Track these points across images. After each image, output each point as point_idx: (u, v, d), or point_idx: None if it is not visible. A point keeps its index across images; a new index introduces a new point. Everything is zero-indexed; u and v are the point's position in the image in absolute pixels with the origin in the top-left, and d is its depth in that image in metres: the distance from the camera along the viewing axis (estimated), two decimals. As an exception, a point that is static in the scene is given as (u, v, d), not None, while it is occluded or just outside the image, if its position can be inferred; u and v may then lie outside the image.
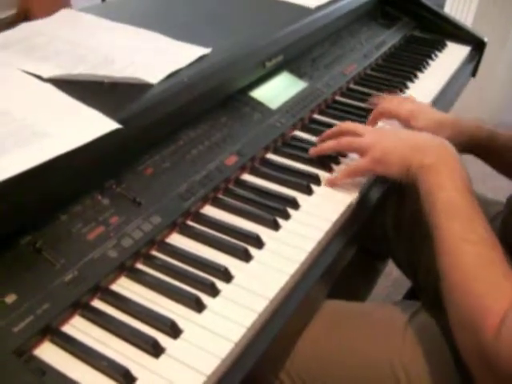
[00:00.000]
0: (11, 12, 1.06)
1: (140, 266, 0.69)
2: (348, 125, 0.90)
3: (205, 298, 0.64)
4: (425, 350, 0.76)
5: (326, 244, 0.77)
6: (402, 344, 0.77)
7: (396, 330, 0.79)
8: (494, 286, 0.61)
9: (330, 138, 0.91)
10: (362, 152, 0.84)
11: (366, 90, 1.21)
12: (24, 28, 0.97)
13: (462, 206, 0.70)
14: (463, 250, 0.66)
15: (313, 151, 0.91)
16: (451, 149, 0.78)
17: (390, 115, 1.01)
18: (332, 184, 0.86)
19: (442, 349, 0.75)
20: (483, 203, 1.04)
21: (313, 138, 0.99)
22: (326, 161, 0.91)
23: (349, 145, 0.87)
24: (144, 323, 0.61)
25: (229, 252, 0.72)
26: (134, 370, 0.55)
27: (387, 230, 1.06)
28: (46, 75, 0.80)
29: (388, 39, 1.44)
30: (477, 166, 1.02)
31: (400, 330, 0.79)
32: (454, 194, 0.71)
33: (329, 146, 0.89)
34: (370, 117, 1.02)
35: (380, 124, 1.03)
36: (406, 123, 0.98)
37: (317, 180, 0.87)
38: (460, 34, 1.53)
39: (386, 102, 1.04)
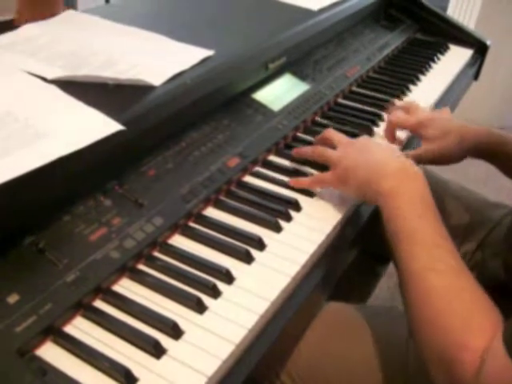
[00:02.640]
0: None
1: (142, 267, 0.69)
2: (329, 133, 0.88)
3: (206, 300, 0.65)
4: None
5: (327, 246, 0.77)
6: (406, 349, 0.77)
7: (399, 335, 0.79)
8: (467, 319, 0.57)
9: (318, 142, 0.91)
10: (330, 165, 0.82)
11: (368, 92, 1.21)
12: (28, 29, 0.97)
13: (425, 233, 0.65)
14: (430, 282, 0.61)
15: (294, 152, 0.91)
16: (413, 171, 0.73)
17: (399, 126, 1.01)
18: (295, 184, 0.85)
19: None
20: (486, 207, 1.04)
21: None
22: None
23: (319, 156, 0.85)
24: (146, 324, 0.61)
25: (230, 254, 0.72)
26: (136, 371, 0.56)
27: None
28: (49, 76, 0.80)
29: (391, 42, 1.44)
30: (479, 167, 1.02)
31: (403, 334, 0.79)
32: (416, 220, 0.67)
33: (306, 151, 0.89)
34: (385, 128, 1.03)
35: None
36: (416, 133, 0.99)
37: (319, 182, 0.87)
38: (463, 37, 1.53)
39: (398, 112, 1.03)
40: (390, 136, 1.02)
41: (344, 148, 0.83)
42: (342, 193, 0.84)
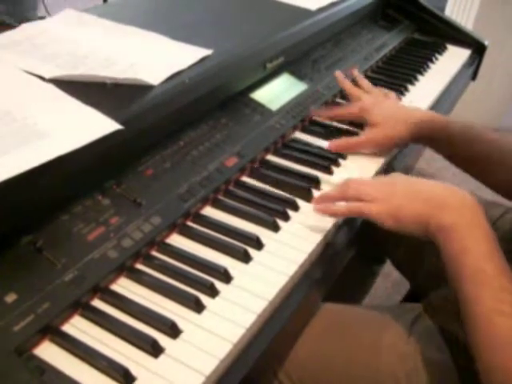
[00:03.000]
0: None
1: (140, 266, 0.69)
2: (352, 190, 0.76)
3: (204, 299, 0.65)
4: (428, 358, 0.75)
5: (324, 246, 0.78)
6: (403, 351, 0.77)
7: (397, 335, 0.79)
8: None
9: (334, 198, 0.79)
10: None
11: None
12: (26, 28, 0.97)
13: (491, 275, 0.61)
14: (497, 324, 0.58)
15: (315, 203, 0.81)
16: (472, 203, 0.68)
17: (341, 117, 1.03)
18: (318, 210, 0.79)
19: (446, 357, 0.75)
20: (484, 206, 1.04)
21: (313, 140, 0.99)
22: (326, 163, 0.92)
23: (359, 214, 0.75)
24: (144, 323, 0.61)
25: (228, 253, 0.72)
26: (134, 370, 0.56)
27: (388, 232, 1.06)
28: (47, 75, 0.80)
29: (388, 42, 1.44)
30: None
31: (401, 335, 0.79)
32: (483, 261, 0.62)
33: (341, 212, 0.78)
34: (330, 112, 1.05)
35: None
36: (360, 120, 1.00)
37: (316, 182, 0.87)
38: (460, 37, 1.54)
39: (346, 83, 1.07)
40: (330, 118, 1.05)
41: (383, 193, 0.74)
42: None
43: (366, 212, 0.73)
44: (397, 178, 0.77)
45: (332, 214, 0.79)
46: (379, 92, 1.06)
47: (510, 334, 0.57)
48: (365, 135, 0.97)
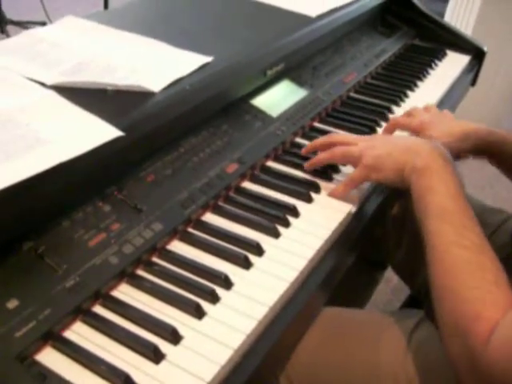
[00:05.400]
0: None
1: (141, 272, 0.70)
2: (338, 136, 0.91)
3: (205, 305, 0.65)
4: (429, 363, 0.75)
5: (325, 252, 0.78)
6: (405, 357, 0.77)
7: (398, 340, 0.79)
8: (485, 292, 0.61)
9: (319, 149, 0.91)
10: (355, 161, 0.84)
11: (366, 98, 1.22)
12: (27, 35, 0.97)
13: (455, 212, 0.69)
14: (455, 255, 0.65)
15: (308, 165, 0.91)
16: (444, 152, 0.77)
17: (401, 127, 1.02)
18: (333, 195, 0.86)
19: (447, 363, 0.75)
20: (484, 212, 1.04)
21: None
22: (326, 169, 0.92)
23: (342, 155, 0.86)
24: (145, 329, 0.62)
25: (229, 259, 0.72)
26: (135, 376, 0.56)
27: (388, 236, 1.07)
28: (49, 82, 0.81)
29: (388, 48, 1.45)
30: (476, 174, 1.03)
31: (402, 340, 0.79)
32: (447, 199, 0.70)
33: (324, 157, 0.89)
34: (385, 127, 1.04)
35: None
36: (419, 135, 0.99)
37: (317, 188, 0.87)
38: (460, 43, 1.54)
39: (404, 115, 1.06)
40: (389, 130, 1.03)
41: (365, 141, 0.85)
42: (339, 198, 0.85)
43: (356, 178, 0.83)
44: (376, 135, 0.89)
45: (313, 165, 0.89)
46: (435, 109, 1.06)
47: (464, 264, 0.64)
48: None
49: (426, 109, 1.06)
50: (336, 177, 0.92)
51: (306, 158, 0.94)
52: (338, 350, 0.80)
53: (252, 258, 0.73)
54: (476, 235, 0.66)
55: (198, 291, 0.67)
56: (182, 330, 0.61)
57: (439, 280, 0.66)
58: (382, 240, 1.08)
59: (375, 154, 0.81)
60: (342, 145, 0.87)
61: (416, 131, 0.99)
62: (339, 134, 0.91)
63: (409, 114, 1.04)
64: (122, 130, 0.70)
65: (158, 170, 0.79)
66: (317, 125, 1.08)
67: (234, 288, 0.68)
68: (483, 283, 0.62)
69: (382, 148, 0.82)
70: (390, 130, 1.03)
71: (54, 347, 0.59)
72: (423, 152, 0.76)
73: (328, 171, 0.92)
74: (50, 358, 0.57)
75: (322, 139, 0.91)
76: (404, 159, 0.77)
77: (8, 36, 2.99)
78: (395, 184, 0.80)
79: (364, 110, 1.15)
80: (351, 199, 0.86)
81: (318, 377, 0.78)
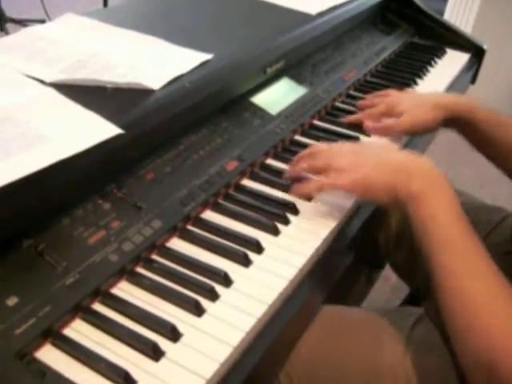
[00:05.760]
0: None
1: (140, 269, 0.70)
2: (322, 146, 0.85)
3: (204, 303, 0.65)
4: (428, 361, 0.76)
5: (324, 250, 0.78)
6: (404, 354, 0.77)
7: (397, 338, 0.79)
8: (509, 320, 0.59)
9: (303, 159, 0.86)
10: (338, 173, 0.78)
11: (365, 96, 1.21)
12: (27, 32, 0.97)
13: (460, 240, 0.66)
14: (470, 287, 0.62)
15: (287, 175, 0.87)
16: (438, 172, 0.73)
17: (371, 118, 1.03)
18: (297, 192, 0.83)
19: (446, 361, 0.75)
20: (484, 210, 1.04)
21: (313, 144, 0.99)
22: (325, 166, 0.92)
23: (324, 166, 0.80)
24: (144, 327, 0.62)
25: (228, 257, 0.72)
26: (134, 373, 0.56)
27: (388, 235, 1.06)
28: (48, 79, 0.81)
29: (388, 46, 1.45)
30: (475, 172, 1.03)
31: (401, 338, 0.79)
32: (451, 228, 0.67)
33: (303, 167, 0.84)
34: (353, 118, 1.06)
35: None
36: (390, 116, 1.00)
37: (316, 186, 0.87)
38: (459, 41, 1.54)
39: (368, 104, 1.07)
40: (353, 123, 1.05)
41: (352, 155, 0.79)
42: (338, 197, 0.85)
43: (339, 185, 0.78)
44: (365, 147, 0.83)
45: (305, 195, 0.83)
46: (395, 91, 1.08)
47: (482, 294, 0.61)
48: (395, 121, 0.98)
49: (386, 93, 1.09)
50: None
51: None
52: (337, 347, 0.80)
53: (251, 255, 0.73)
54: (484, 260, 0.64)
55: (198, 289, 0.67)
56: (181, 328, 0.61)
57: (456, 314, 0.63)
58: (381, 239, 1.08)
59: (364, 173, 0.76)
60: (326, 170, 0.80)
61: (385, 114, 1.01)
62: (322, 145, 0.85)
63: (371, 103, 1.06)
64: (122, 127, 0.70)
65: (158, 167, 0.79)
66: (316, 122, 1.08)
67: (234, 285, 0.68)
68: (505, 311, 0.60)
69: (370, 167, 0.76)
70: (357, 121, 1.05)
71: (54, 344, 0.59)
72: (416, 174, 0.72)
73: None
74: (49, 355, 0.57)
75: (305, 151, 0.87)
76: (396, 182, 0.72)
77: (7, 34, 2.99)
78: (387, 206, 0.77)
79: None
80: (350, 197, 0.85)
81: (317, 374, 0.78)
